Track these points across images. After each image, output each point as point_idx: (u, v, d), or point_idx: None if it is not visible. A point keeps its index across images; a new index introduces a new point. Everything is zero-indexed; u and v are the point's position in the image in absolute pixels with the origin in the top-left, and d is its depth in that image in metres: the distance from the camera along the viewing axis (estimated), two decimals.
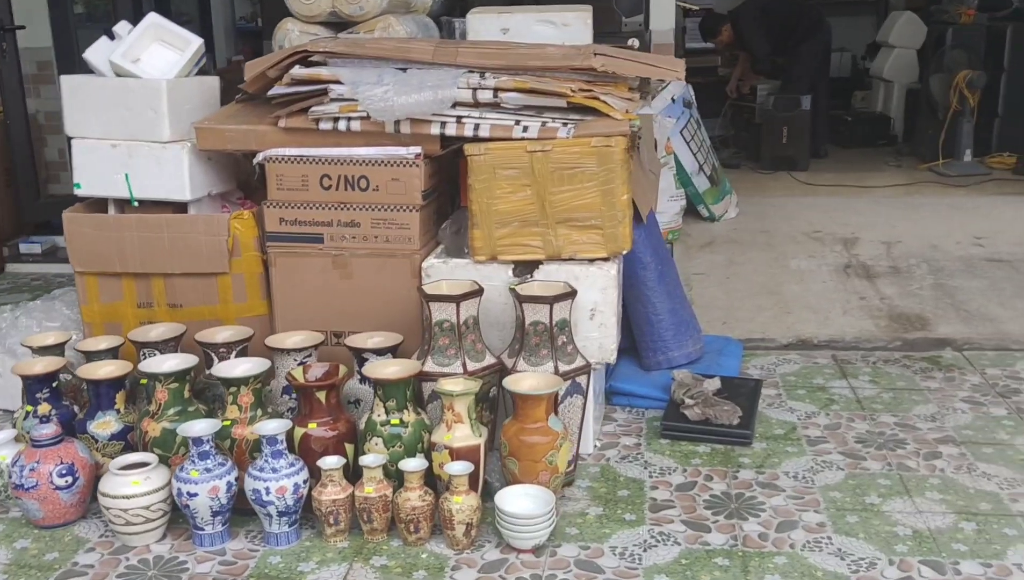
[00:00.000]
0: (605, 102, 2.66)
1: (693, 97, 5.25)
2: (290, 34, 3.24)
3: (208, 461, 2.39)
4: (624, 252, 2.77)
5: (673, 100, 5.06)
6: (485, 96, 2.73)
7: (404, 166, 2.81)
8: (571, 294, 2.63)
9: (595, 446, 2.96)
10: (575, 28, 3.20)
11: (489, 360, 2.66)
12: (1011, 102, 6.35)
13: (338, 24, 3.26)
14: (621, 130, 2.66)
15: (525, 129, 2.72)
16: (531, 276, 2.78)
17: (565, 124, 2.71)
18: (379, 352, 2.70)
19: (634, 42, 3.62)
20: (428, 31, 3.44)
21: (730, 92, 6.93)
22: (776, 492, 2.66)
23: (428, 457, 2.48)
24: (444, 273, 2.81)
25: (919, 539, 2.41)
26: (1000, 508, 2.54)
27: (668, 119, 4.89)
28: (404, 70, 2.80)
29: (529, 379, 2.53)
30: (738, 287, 4.35)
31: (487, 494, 2.50)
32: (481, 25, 3.26)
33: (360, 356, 2.69)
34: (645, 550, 2.40)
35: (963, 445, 2.91)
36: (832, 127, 7.37)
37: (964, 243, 4.72)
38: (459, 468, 2.39)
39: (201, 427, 2.41)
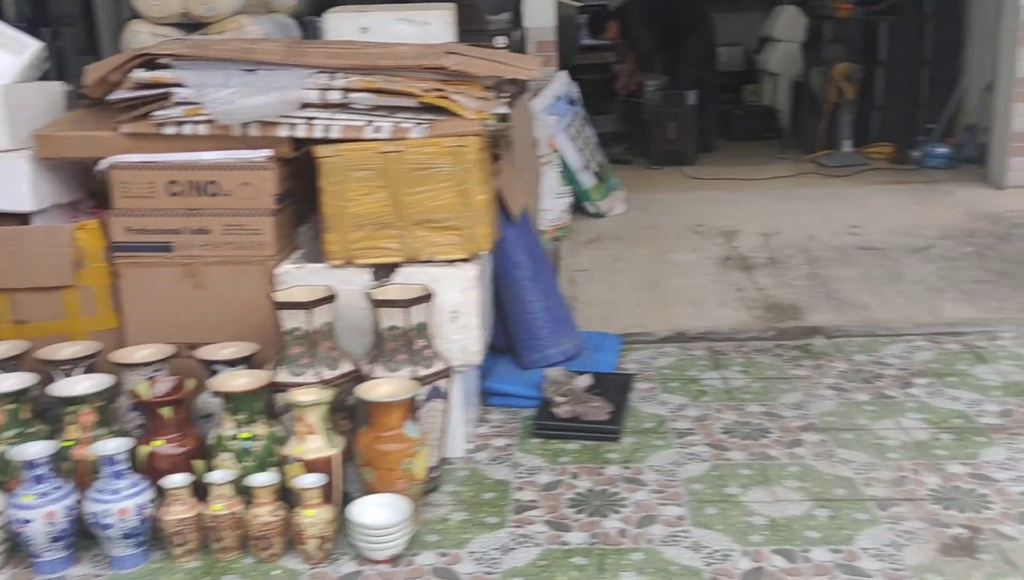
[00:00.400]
0: (456, 102, 2.63)
1: (578, 94, 5.26)
2: (138, 36, 3.12)
3: (44, 485, 2.28)
4: (483, 253, 2.74)
5: (557, 97, 5.06)
6: (334, 97, 2.67)
7: (255, 170, 2.73)
8: (427, 297, 2.58)
9: (465, 449, 2.93)
10: (435, 27, 3.16)
11: (346, 367, 2.60)
12: (888, 93, 6.53)
13: (190, 25, 3.15)
14: (474, 130, 2.63)
15: (377, 130, 2.67)
16: (390, 279, 2.73)
17: (418, 124, 2.67)
18: (232, 363, 2.61)
19: (499, 40, 3.60)
20: (287, 31, 3.36)
21: (620, 88, 6.98)
22: (640, 487, 2.67)
23: (282, 471, 2.41)
24: (299, 279, 2.73)
25: (774, 528, 2.44)
26: (854, 493, 2.59)
27: (551, 117, 4.89)
28: (253, 72, 2.72)
29: (384, 386, 2.48)
30: (621, 282, 4.37)
31: (347, 505, 2.44)
32: (339, 24, 3.19)
33: (211, 368, 2.61)
34: (504, 553, 2.37)
35: (825, 432, 2.97)
36: (722, 121, 7.49)
37: (840, 232, 4.83)
38: (310, 481, 2.32)
39: (35, 450, 2.29)
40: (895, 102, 6.57)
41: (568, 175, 5.06)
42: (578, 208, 5.24)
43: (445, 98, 2.63)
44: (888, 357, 3.57)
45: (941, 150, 6.00)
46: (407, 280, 2.71)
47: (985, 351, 3.58)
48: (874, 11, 6.77)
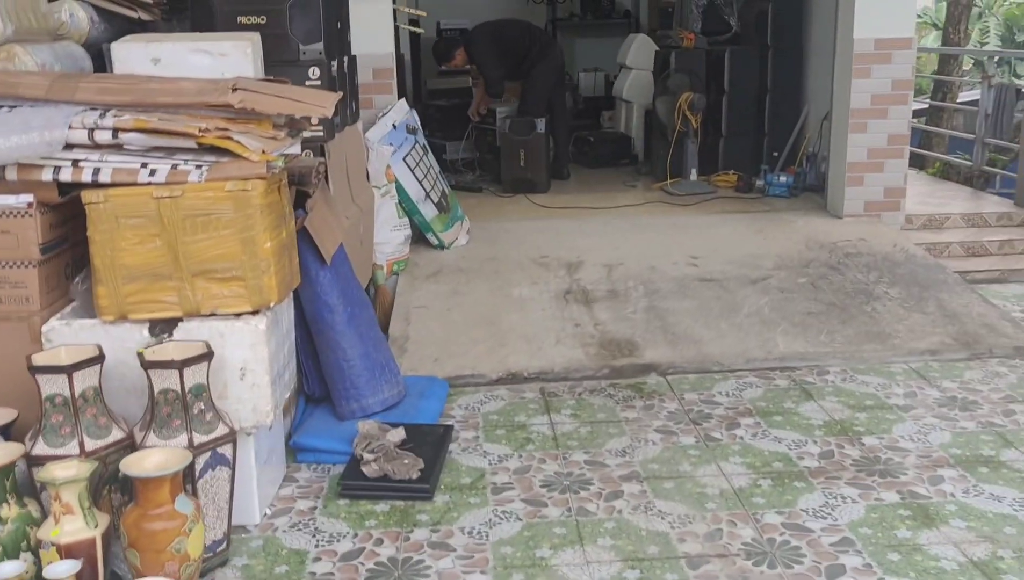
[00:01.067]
0: (239, 142, 2.42)
1: (418, 122, 5.10)
2: None
3: None
4: (272, 304, 2.53)
5: (394, 126, 4.88)
6: (103, 137, 2.42)
7: (15, 217, 2.46)
8: (206, 356, 2.36)
9: (264, 514, 2.71)
10: (233, 58, 2.93)
11: (116, 435, 2.35)
12: (733, 122, 6.60)
13: None
14: (258, 172, 2.43)
15: (152, 173, 2.43)
16: (169, 335, 2.49)
17: (199, 166, 2.45)
18: None
19: (313, 71, 3.40)
20: (76, 62, 3.07)
21: (472, 115, 6.86)
22: (446, 552, 2.50)
23: (37, 557, 2.15)
24: (68, 337, 2.47)
25: None
26: (667, 550, 2.49)
27: (386, 147, 4.71)
28: (12, 108, 2.45)
29: (153, 457, 2.24)
30: (457, 319, 4.21)
31: None
32: (128, 55, 2.93)
33: None
34: None
35: (646, 481, 2.87)
36: (577, 147, 7.46)
37: (680, 263, 4.81)
38: (62, 569, 2.07)
39: None
40: (740, 131, 6.64)
41: (408, 206, 4.88)
42: (420, 240, 5.07)
43: (228, 138, 2.42)
44: (718, 395, 3.53)
45: (783, 179, 6.09)
46: (188, 336, 2.48)
47: (812, 387, 3.58)
48: (718, 41, 6.86)
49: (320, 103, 2.58)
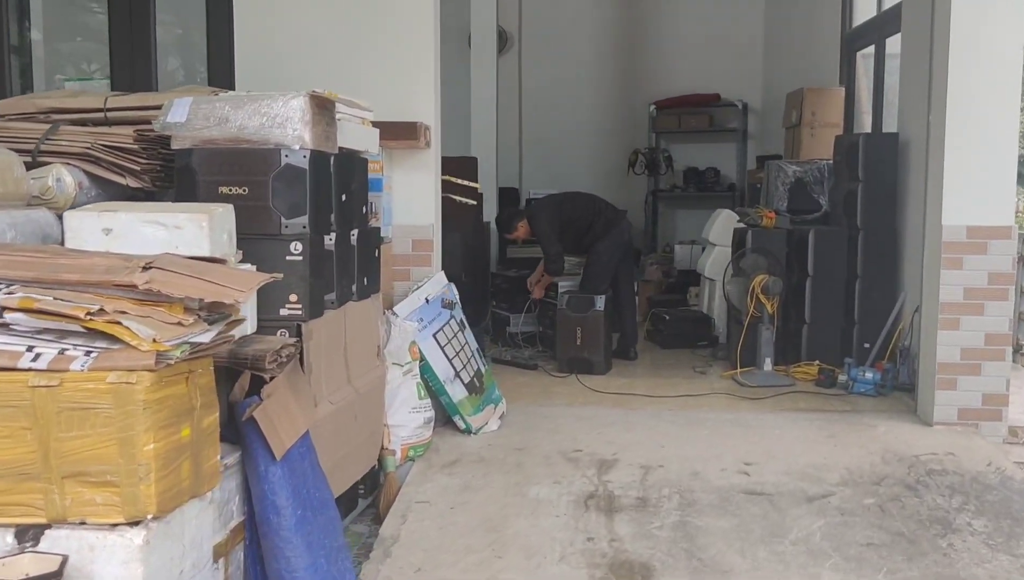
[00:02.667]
0: (127, 328, 2.14)
1: (456, 297, 4.83)
2: None
3: None
4: (149, 516, 2.18)
5: (427, 300, 4.62)
6: None
7: None
8: (54, 575, 2.02)
9: None
10: (188, 231, 2.72)
11: None
12: (817, 308, 6.05)
13: None
14: (144, 364, 2.14)
15: (37, 357, 2.18)
16: (35, 544, 2.17)
17: (88, 353, 2.18)
18: None
19: (296, 245, 3.16)
20: (37, 229, 2.94)
21: (529, 288, 6.56)
22: None
23: None
24: None
25: None
26: None
27: (411, 323, 4.43)
28: None
29: None
30: (458, 521, 3.76)
31: None
32: (80, 225, 2.77)
33: None
34: None
35: None
36: (654, 325, 7.03)
37: (730, 470, 4.23)
38: None
39: None
40: (826, 318, 6.07)
41: (435, 385, 4.54)
42: (448, 422, 4.70)
43: (118, 323, 2.15)
44: None
45: (869, 375, 5.45)
46: (55, 546, 2.15)
47: None
48: (805, 220, 6.41)
49: (238, 286, 2.30)
